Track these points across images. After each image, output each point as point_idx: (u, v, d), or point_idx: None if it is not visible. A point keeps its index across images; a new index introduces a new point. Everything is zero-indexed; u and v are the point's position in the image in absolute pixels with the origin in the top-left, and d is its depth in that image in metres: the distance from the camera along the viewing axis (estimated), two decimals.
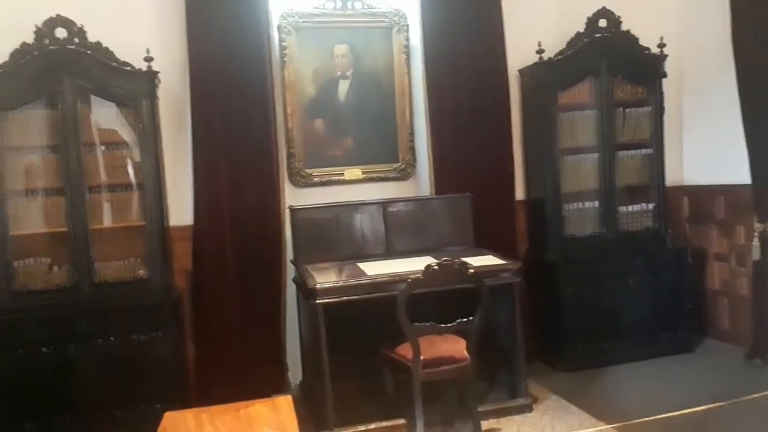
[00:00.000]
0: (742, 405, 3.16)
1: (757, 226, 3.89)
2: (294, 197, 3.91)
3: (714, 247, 4.43)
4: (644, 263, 4.16)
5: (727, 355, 4.12)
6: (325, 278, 3.20)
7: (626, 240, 4.23)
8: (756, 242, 3.90)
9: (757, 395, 3.17)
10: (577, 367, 4.00)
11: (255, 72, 3.68)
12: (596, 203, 4.22)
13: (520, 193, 4.30)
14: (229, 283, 3.69)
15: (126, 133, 3.51)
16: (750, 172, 3.89)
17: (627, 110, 4.23)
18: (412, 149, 4.16)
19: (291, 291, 3.81)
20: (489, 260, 3.42)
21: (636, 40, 4.14)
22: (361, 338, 3.35)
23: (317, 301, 3.07)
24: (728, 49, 3.88)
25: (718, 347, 4.32)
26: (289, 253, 3.77)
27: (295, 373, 3.93)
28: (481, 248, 3.73)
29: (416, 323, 2.92)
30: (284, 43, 3.90)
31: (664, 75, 4.21)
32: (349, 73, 4.03)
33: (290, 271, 3.78)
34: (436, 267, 2.88)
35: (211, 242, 3.66)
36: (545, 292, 4.10)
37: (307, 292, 3.21)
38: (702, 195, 4.49)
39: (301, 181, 4.01)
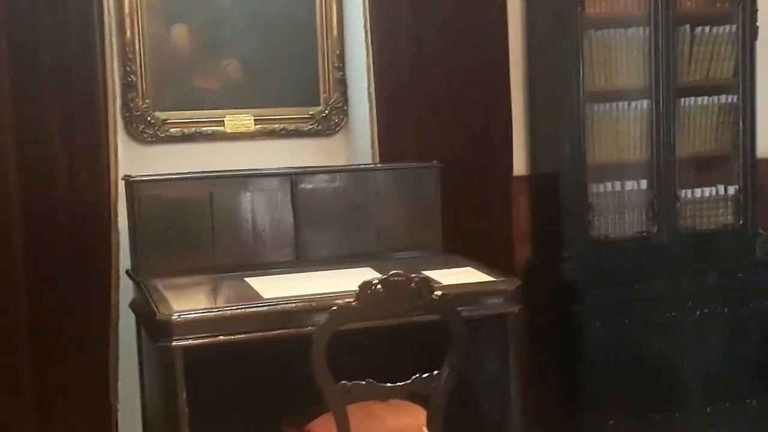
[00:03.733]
0: None
1: None
2: (137, 161, 3.84)
3: None
4: (720, 284, 4.30)
5: None
6: (188, 303, 3.11)
7: (692, 244, 4.35)
8: None
9: None
10: None
11: None
12: (644, 184, 4.33)
13: (520, 166, 4.35)
14: (17, 311, 3.58)
15: None
16: None
17: (697, 30, 4.35)
18: (342, 83, 4.16)
19: (128, 323, 3.73)
20: (468, 276, 3.42)
21: None
22: (251, 407, 3.29)
23: (173, 343, 2.95)
24: None
25: None
26: (125, 260, 3.68)
27: None
28: (455, 255, 3.73)
29: (344, 381, 2.86)
30: None
31: None
32: None
33: (127, 290, 3.69)
34: (379, 287, 2.82)
35: None
36: (559, 330, 4.17)
37: (154, 328, 3.10)
38: None
39: (147, 133, 3.94)
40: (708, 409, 4.26)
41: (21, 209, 3.59)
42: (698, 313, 4.24)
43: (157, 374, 3.33)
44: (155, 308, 3.05)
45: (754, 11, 4.34)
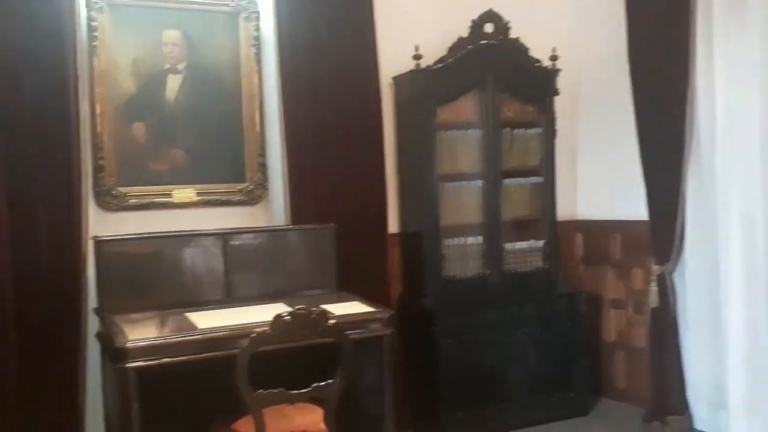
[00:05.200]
0: None
1: (655, 268, 4.12)
2: (103, 224, 3.62)
3: (610, 292, 4.67)
4: (533, 311, 4.29)
5: (625, 418, 4.33)
6: (140, 333, 2.94)
7: (514, 282, 4.34)
8: (653, 287, 4.12)
9: None
10: None
11: (51, 58, 3.36)
12: (480, 239, 4.30)
13: (393, 226, 4.28)
14: (4, 344, 3.31)
15: None
16: (647, 207, 4.14)
17: (515, 131, 4.37)
18: (263, 166, 4.01)
19: (95, 348, 3.49)
20: (354, 308, 3.34)
21: (526, 50, 4.30)
22: (190, 413, 3.11)
23: (128, 365, 2.78)
24: (625, 66, 4.15)
25: (615, 408, 4.52)
26: (93, 300, 3.46)
27: None
28: (346, 292, 3.64)
29: (261, 390, 2.73)
30: (94, 23, 3.60)
31: (556, 92, 4.40)
32: (180, 67, 3.80)
33: (94, 323, 3.46)
34: (288, 317, 2.73)
35: None
36: (421, 347, 4.08)
37: (113, 353, 2.90)
38: (597, 231, 4.74)
39: (112, 203, 3.71)
40: (527, 401, 4.24)
41: (12, 261, 3.33)
42: (519, 331, 4.23)
43: (115, 389, 3.11)
44: (114, 338, 2.90)
45: (553, 119, 4.41)
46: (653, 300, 4.13)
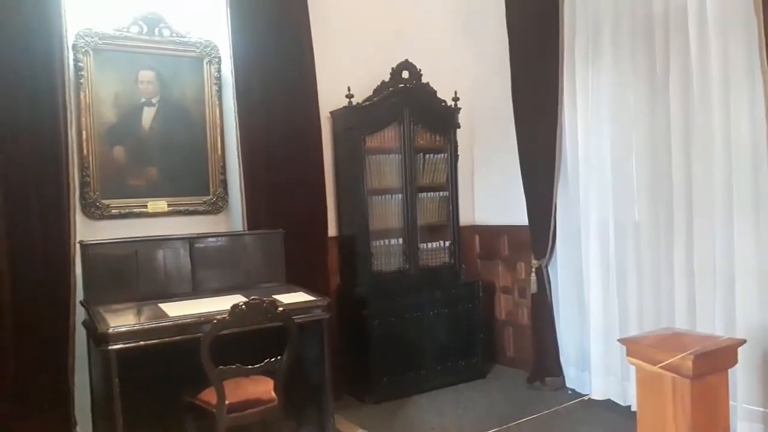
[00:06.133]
0: (524, 427, 3.34)
1: (534, 262, 4.23)
2: (89, 231, 3.47)
3: (500, 280, 4.76)
4: (442, 296, 4.31)
5: (513, 380, 4.39)
6: (120, 321, 2.83)
7: (427, 275, 4.38)
8: (533, 277, 4.23)
9: (534, 416, 3.38)
10: (383, 399, 4.00)
11: (45, 92, 3.22)
12: (400, 240, 4.32)
13: (332, 230, 4.26)
14: (4, 329, 3.14)
15: None
16: (528, 215, 4.26)
17: (427, 156, 4.43)
18: (223, 182, 3.91)
19: (82, 334, 3.33)
20: (299, 297, 3.28)
21: (434, 92, 4.36)
22: (162, 386, 3.00)
23: (109, 347, 2.68)
24: (510, 105, 4.28)
25: (506, 372, 4.58)
26: (80, 293, 3.30)
27: (85, 428, 3.40)
28: (293, 285, 3.59)
29: (222, 366, 2.68)
30: (80, 64, 3.47)
31: (458, 126, 4.48)
32: (154, 101, 3.69)
33: (81, 314, 3.30)
34: (243, 306, 2.68)
35: None
36: (355, 327, 4.07)
37: (97, 338, 2.79)
38: (490, 234, 4.82)
39: (96, 213, 3.56)
40: (439, 367, 4.26)
41: (10, 261, 3.17)
42: (431, 313, 4.25)
43: (99, 369, 3.04)
44: (98, 325, 2.79)
45: (456, 146, 4.47)
46: (533, 287, 4.23)
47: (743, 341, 2.58)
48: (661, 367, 2.36)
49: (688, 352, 2.34)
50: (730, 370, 2.55)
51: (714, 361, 2.43)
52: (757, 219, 3.03)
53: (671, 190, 3.41)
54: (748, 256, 3.05)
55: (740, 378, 3.06)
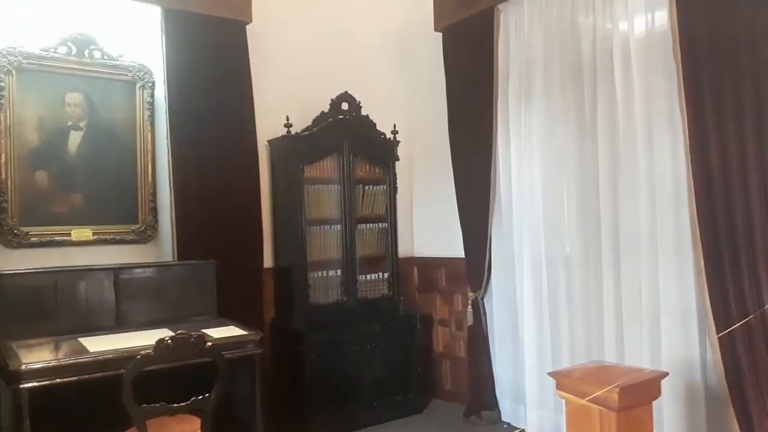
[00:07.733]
0: None
1: (470, 294, 4.30)
2: (5, 260, 3.31)
3: (438, 313, 4.80)
4: (380, 329, 4.29)
5: (450, 414, 4.38)
6: (35, 357, 2.69)
7: (365, 307, 4.36)
8: (469, 309, 4.29)
9: None
10: None
11: None
12: (339, 272, 4.30)
13: (268, 261, 4.21)
14: None
15: None
16: (464, 248, 4.34)
17: (366, 187, 4.46)
18: (154, 210, 3.81)
19: None
20: (230, 331, 3.22)
21: (374, 125, 4.42)
22: (81, 428, 2.87)
23: (21, 386, 2.53)
24: (447, 139, 4.39)
25: (443, 407, 4.57)
26: None
27: None
28: (224, 318, 3.52)
29: (145, 404, 2.57)
30: (2, 84, 3.35)
31: (397, 158, 4.55)
32: (82, 124, 3.59)
33: None
34: (169, 341, 2.61)
35: None
36: (290, 362, 4.00)
37: (8, 376, 2.62)
38: (428, 266, 4.88)
39: (14, 240, 3.40)
40: (375, 403, 4.23)
41: None
42: (369, 346, 4.22)
43: (10, 410, 2.83)
44: (9, 362, 2.65)
45: (395, 178, 4.53)
46: (469, 319, 4.28)
47: (666, 374, 2.70)
48: (588, 400, 2.44)
49: (614, 385, 2.43)
50: (655, 402, 2.66)
51: (639, 394, 2.54)
52: (678, 257, 3.19)
53: (599, 228, 3.55)
54: (671, 292, 3.21)
55: (666, 409, 3.19)
